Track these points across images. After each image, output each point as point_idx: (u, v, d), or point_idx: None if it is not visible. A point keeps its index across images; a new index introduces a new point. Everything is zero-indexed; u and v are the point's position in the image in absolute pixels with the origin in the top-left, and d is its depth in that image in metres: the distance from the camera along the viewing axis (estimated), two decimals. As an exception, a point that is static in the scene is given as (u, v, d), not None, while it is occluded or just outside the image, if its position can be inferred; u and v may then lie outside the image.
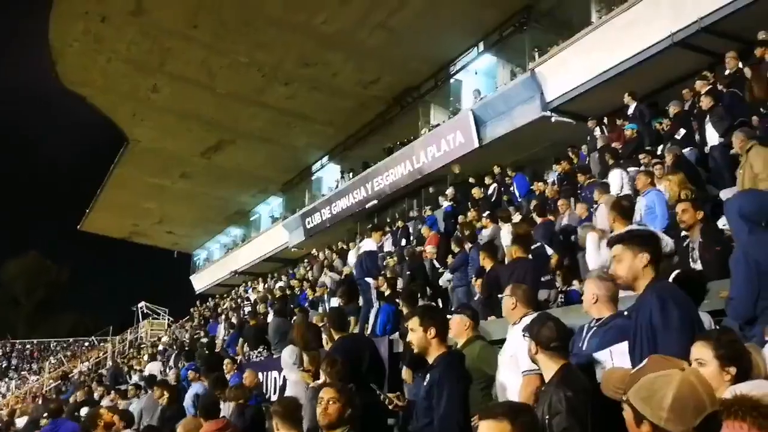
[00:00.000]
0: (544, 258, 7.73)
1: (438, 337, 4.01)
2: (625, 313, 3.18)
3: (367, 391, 5.04)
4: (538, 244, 7.89)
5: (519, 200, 13.15)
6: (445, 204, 14.94)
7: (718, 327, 3.76)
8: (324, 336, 6.39)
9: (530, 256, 7.17)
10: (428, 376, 3.99)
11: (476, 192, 13.78)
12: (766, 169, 6.34)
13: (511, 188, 13.87)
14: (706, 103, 9.06)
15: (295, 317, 11.87)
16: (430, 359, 4.02)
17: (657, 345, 2.76)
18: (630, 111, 11.91)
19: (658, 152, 9.46)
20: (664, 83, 12.85)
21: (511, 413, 2.16)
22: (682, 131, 9.76)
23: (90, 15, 18.17)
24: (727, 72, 10.09)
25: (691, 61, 11.89)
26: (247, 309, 19.58)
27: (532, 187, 12.90)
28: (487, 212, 11.63)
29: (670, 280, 4.32)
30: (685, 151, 9.24)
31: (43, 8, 18.03)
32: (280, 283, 21.39)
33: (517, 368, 4.01)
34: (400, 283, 10.95)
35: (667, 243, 5.72)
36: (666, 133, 10.35)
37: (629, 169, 9.54)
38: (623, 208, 6.11)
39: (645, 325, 2.89)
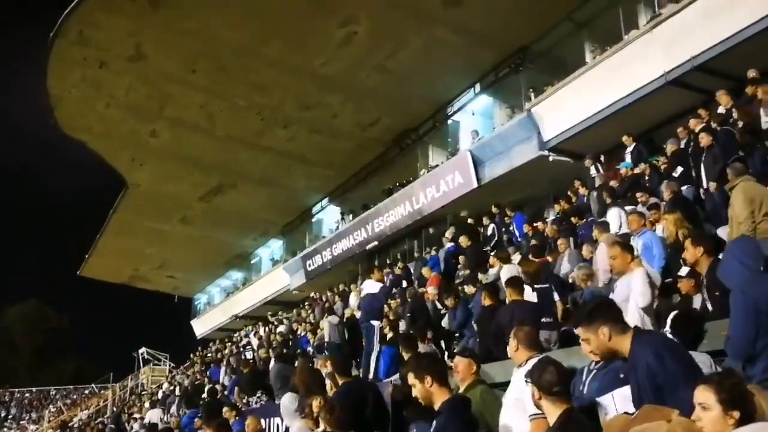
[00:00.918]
0: (548, 299, 7.69)
1: (437, 383, 4.00)
2: (621, 376, 3.18)
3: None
4: (545, 285, 7.85)
5: (519, 240, 13.16)
6: (448, 245, 14.95)
7: (719, 369, 3.74)
8: (328, 382, 6.33)
9: (526, 298, 7.16)
10: (434, 423, 3.97)
11: (463, 240, 13.68)
12: (744, 210, 6.26)
13: (511, 228, 13.91)
14: (705, 141, 9.11)
15: (296, 362, 11.76)
16: (436, 406, 4.00)
17: (663, 399, 2.77)
18: (628, 150, 12.04)
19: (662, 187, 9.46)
20: (659, 121, 12.98)
21: None
22: (680, 169, 9.83)
23: (88, 61, 18.33)
24: (719, 110, 10.22)
25: (685, 99, 12.04)
26: (249, 354, 19.41)
27: (524, 229, 12.95)
28: (494, 252, 11.67)
29: (669, 320, 4.34)
30: (683, 189, 9.30)
31: (43, 53, 18.19)
32: (281, 328, 21.25)
33: (523, 411, 3.98)
34: (402, 325, 10.89)
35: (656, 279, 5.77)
36: (664, 171, 10.43)
37: (627, 208, 9.57)
38: (625, 244, 6.10)
39: (645, 380, 2.90)
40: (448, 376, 4.23)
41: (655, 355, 2.93)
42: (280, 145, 22.28)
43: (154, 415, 16.00)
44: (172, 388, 24.51)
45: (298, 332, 18.39)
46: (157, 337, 41.87)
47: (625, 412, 3.00)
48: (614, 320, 3.17)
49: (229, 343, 27.94)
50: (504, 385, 4.82)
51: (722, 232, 7.35)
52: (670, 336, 4.14)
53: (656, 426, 1.77)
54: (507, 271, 9.13)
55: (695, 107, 11.23)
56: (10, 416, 43.34)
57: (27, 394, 46.23)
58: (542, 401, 3.32)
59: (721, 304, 4.99)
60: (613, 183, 11.34)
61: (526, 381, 3.48)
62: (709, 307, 5.36)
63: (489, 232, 14.16)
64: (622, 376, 3.16)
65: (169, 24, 16.95)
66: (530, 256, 9.84)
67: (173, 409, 17.40)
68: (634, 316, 5.17)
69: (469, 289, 10.55)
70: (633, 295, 5.39)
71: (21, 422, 41.53)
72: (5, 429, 40.80)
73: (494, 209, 14.85)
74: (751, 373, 3.62)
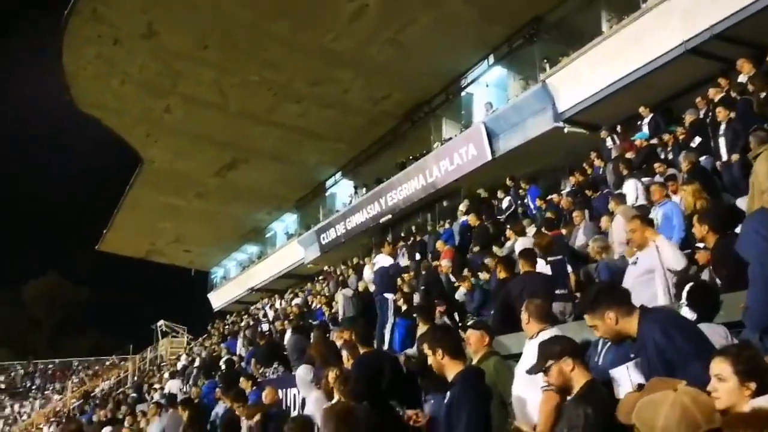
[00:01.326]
0: (563, 271, 7.67)
1: (448, 355, 4.03)
2: (632, 355, 3.18)
3: (387, 408, 5.04)
4: (559, 257, 7.82)
5: (533, 212, 13.11)
6: (462, 218, 14.93)
7: (736, 340, 3.72)
8: (344, 353, 6.37)
9: (540, 270, 7.14)
10: (448, 393, 4.01)
11: (472, 219, 13.57)
12: None
13: (526, 200, 13.86)
14: (722, 115, 8.97)
15: (312, 334, 11.88)
16: (449, 377, 4.03)
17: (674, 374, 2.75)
18: (646, 121, 11.90)
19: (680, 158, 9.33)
20: (677, 91, 12.77)
21: None
22: (698, 139, 9.71)
23: (102, 38, 18.40)
24: (740, 78, 10.04)
25: (704, 68, 11.82)
26: (265, 326, 19.62)
27: (537, 203, 12.88)
28: (509, 224, 11.64)
29: (685, 292, 4.30)
30: (701, 159, 9.19)
31: (57, 31, 18.27)
32: (297, 300, 21.42)
33: (535, 383, 3.98)
34: (416, 298, 10.93)
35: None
36: (682, 142, 10.30)
37: (643, 180, 9.49)
38: (648, 220, 6.02)
39: (654, 357, 2.91)
40: (462, 349, 4.25)
41: (663, 331, 2.94)
42: (292, 120, 22.26)
43: (173, 386, 16.26)
44: (190, 359, 24.89)
45: (313, 305, 18.54)
46: (175, 310, 42.36)
47: (640, 384, 2.99)
48: (619, 303, 3.17)
49: (246, 316, 28.27)
50: (519, 356, 4.83)
51: (741, 203, 7.25)
52: (686, 308, 4.11)
53: (662, 395, 1.77)
54: (521, 244, 9.11)
55: (714, 76, 11.04)
56: (34, 387, 44.35)
57: (50, 366, 47.18)
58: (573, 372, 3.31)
59: (729, 281, 4.97)
60: (629, 154, 11.22)
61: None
62: (718, 282, 5.32)
63: (505, 204, 14.10)
64: (632, 355, 3.16)
65: (180, 0, 16.93)
66: (543, 229, 9.80)
67: (192, 379, 17.68)
68: (661, 287, 5.13)
69: (484, 276, 10.55)
70: (664, 264, 5.31)
71: (45, 392, 42.50)
72: (31, 399, 41.80)
73: (509, 182, 14.78)
74: (770, 344, 3.61)
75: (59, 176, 74.61)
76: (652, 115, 11.98)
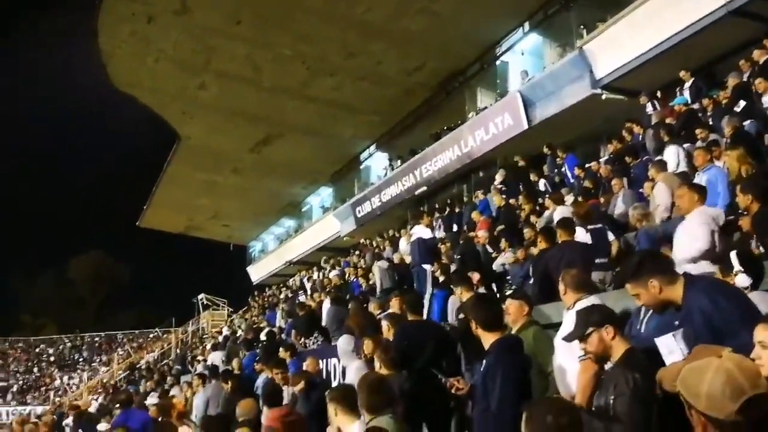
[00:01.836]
0: (603, 239, 7.60)
1: (482, 327, 4.08)
2: (676, 323, 3.11)
3: (429, 376, 5.11)
4: (599, 225, 7.75)
5: (571, 181, 12.97)
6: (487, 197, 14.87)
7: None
8: (384, 323, 6.45)
9: (578, 239, 7.10)
10: (484, 362, 4.06)
11: (497, 199, 13.55)
12: None
13: (563, 169, 13.70)
14: (762, 87, 8.72)
15: (350, 305, 12.02)
16: (486, 347, 4.07)
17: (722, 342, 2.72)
18: (687, 86, 11.62)
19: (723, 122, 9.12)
20: (719, 54, 12.42)
21: None
22: (742, 103, 9.46)
23: (136, 16, 18.58)
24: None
25: (748, 30, 11.45)
26: (302, 298, 19.87)
27: (576, 171, 12.72)
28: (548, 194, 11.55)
29: (735, 259, 4.23)
30: (746, 123, 8.96)
31: (92, 11, 18.49)
32: (335, 272, 21.63)
33: (575, 353, 3.99)
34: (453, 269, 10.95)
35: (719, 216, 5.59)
36: (725, 106, 10.04)
37: (685, 146, 9.30)
38: (700, 187, 5.89)
39: (701, 325, 2.88)
40: (499, 319, 4.26)
41: (710, 299, 2.89)
42: (326, 93, 22.27)
43: (215, 357, 16.61)
44: (231, 331, 25.41)
45: (349, 277, 18.72)
46: (215, 283, 43.30)
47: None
48: (662, 271, 3.11)
49: (284, 288, 28.67)
50: (559, 326, 4.84)
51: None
52: (742, 275, 4.04)
53: (706, 362, 1.78)
54: (560, 213, 9.03)
55: (759, 38, 10.68)
56: (82, 359, 45.86)
57: (96, 339, 48.66)
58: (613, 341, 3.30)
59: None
60: (669, 120, 10.99)
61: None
62: (761, 249, 5.23)
63: (542, 188, 13.90)
64: (677, 323, 3.10)
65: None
66: (580, 198, 9.71)
67: (231, 351, 18.05)
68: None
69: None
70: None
71: (92, 364, 43.92)
72: (79, 371, 43.26)
73: (546, 150, 14.61)
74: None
75: (99, 155, 76.17)
76: (693, 79, 11.69)
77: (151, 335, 44.64)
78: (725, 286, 3.29)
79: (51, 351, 47.59)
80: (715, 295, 2.94)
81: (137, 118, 30.03)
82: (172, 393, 13.92)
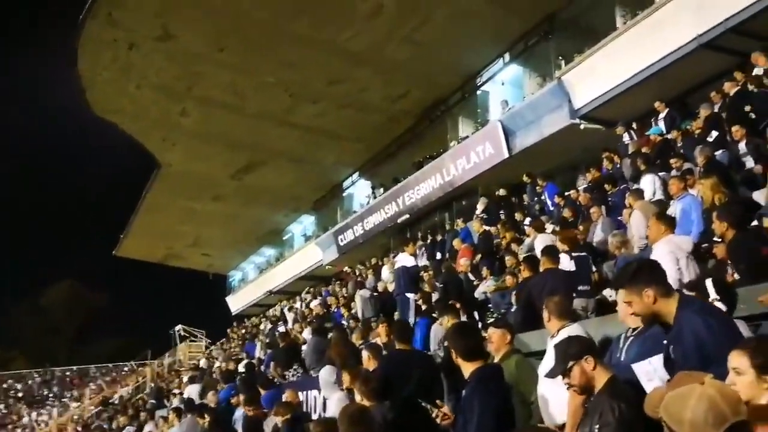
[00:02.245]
0: (586, 267, 7.70)
1: (461, 357, 4.04)
2: (665, 342, 3.08)
3: (414, 406, 5.08)
4: (583, 253, 7.85)
5: (551, 209, 13.10)
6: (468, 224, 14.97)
7: (754, 334, 3.72)
8: (365, 353, 6.43)
9: (563, 266, 7.18)
10: (464, 392, 4.03)
11: (476, 226, 13.62)
12: None
13: (543, 197, 13.85)
14: (739, 134, 8.96)
15: (332, 335, 11.94)
16: (465, 376, 4.06)
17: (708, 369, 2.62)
18: (661, 116, 11.88)
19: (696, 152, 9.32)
20: (692, 85, 12.72)
21: None
22: (714, 133, 9.68)
23: (118, 43, 18.46)
24: (755, 71, 10.00)
25: (720, 62, 11.76)
26: (281, 329, 19.70)
27: (556, 199, 12.89)
28: (529, 220, 11.65)
29: (710, 287, 4.29)
30: (717, 153, 9.16)
31: (73, 36, 18.34)
32: (316, 302, 21.51)
33: (558, 382, 4.01)
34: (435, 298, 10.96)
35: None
36: (698, 136, 10.27)
37: (660, 174, 9.47)
38: (667, 217, 6.03)
39: (692, 349, 2.84)
40: (479, 348, 4.20)
41: (706, 324, 2.84)
42: (310, 120, 22.31)
43: (192, 390, 16.34)
44: (208, 363, 25.06)
45: (332, 307, 18.61)
46: (193, 314, 42.69)
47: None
48: (658, 282, 3.05)
49: (264, 318, 28.39)
50: (541, 354, 4.86)
51: (758, 196, 7.26)
52: (719, 302, 4.10)
53: (689, 388, 1.82)
54: (541, 241, 9.13)
55: (730, 70, 10.98)
56: (51, 395, 44.70)
57: (68, 373, 47.54)
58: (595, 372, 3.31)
59: (747, 275, 4.99)
60: (645, 149, 11.20)
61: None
62: (736, 276, 5.34)
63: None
64: (665, 342, 3.06)
65: (196, 2, 17.07)
66: (557, 228, 9.83)
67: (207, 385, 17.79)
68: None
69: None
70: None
71: (63, 400, 42.79)
72: (48, 407, 42.12)
73: (526, 178, 14.78)
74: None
75: (75, 182, 75.34)
76: (668, 110, 11.95)
77: (126, 368, 43.72)
78: (718, 312, 3.28)
79: (19, 386, 46.28)
80: (710, 319, 2.91)
81: (116, 144, 29.83)
82: (147, 429, 13.62)
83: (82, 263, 66.39)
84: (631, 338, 3.61)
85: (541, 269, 7.13)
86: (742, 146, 8.90)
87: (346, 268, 23.39)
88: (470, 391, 3.91)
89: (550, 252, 7.18)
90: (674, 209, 7.54)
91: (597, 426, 3.01)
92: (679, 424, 1.79)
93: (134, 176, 30.42)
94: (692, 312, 2.94)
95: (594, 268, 7.97)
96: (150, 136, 23.67)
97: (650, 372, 3.20)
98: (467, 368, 4.02)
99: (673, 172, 9.13)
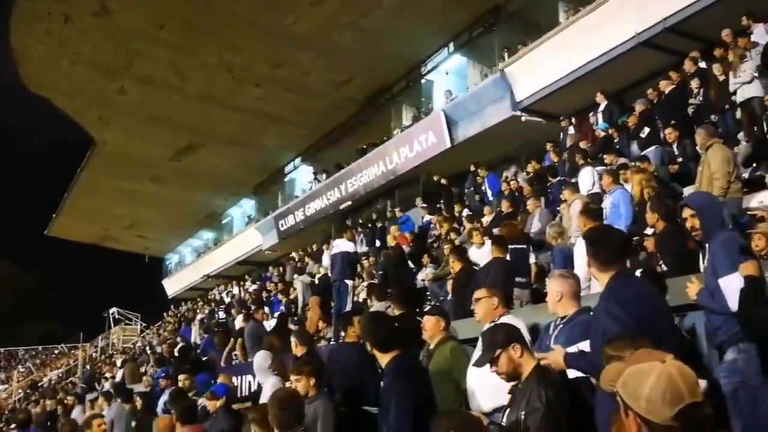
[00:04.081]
0: (524, 259, 7.84)
1: (376, 347, 4.01)
2: (591, 313, 3.22)
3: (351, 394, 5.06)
4: (522, 245, 7.99)
5: (490, 199, 13.26)
6: (427, 217, 15.03)
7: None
8: (293, 340, 6.39)
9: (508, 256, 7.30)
10: (382, 384, 4.00)
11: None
12: (721, 168, 6.48)
13: (483, 187, 14.02)
14: (672, 136, 9.28)
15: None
16: (383, 366, 4.02)
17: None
18: (600, 109, 12.14)
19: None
20: (630, 82, 13.06)
21: None
22: (647, 129, 9.96)
23: (53, 16, 17.85)
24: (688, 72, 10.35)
25: (657, 60, 12.11)
26: (221, 314, 19.43)
27: (501, 187, 13.06)
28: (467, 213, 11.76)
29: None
30: (651, 149, 9.44)
31: (4, 8, 17.71)
32: (254, 287, 21.28)
33: (484, 369, 4.04)
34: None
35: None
36: (632, 131, 10.56)
37: (598, 168, 9.69)
38: (593, 211, 6.19)
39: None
40: (391, 338, 4.12)
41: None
42: (252, 103, 22.02)
43: (122, 374, 15.94)
44: (143, 347, 24.55)
45: (271, 292, 18.44)
46: (128, 297, 41.63)
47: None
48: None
49: (201, 303, 27.95)
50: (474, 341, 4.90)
51: (688, 192, 7.51)
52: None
53: (650, 366, 1.84)
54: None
55: (667, 68, 11.31)
56: (-21, 376, 43.05)
57: (-5, 355, 45.96)
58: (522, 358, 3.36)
59: (674, 267, 5.17)
60: (583, 144, 11.44)
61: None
62: (664, 268, 5.52)
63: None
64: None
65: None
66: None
67: (144, 368, 17.43)
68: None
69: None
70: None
71: (-10, 382, 41.29)
72: (-26, 389, 40.57)
73: (473, 167, 14.92)
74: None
75: (5, 158, 72.21)
76: (606, 102, 12.22)
77: (56, 351, 42.40)
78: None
79: (-57, 369, 44.50)
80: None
81: (50, 120, 28.70)
82: (75, 413, 13.20)
83: (14, 243, 63.86)
84: (561, 326, 3.68)
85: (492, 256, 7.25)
86: (674, 147, 9.23)
87: (294, 254, 23.11)
88: (387, 381, 3.86)
89: (499, 242, 7.32)
90: (605, 203, 7.75)
91: (524, 412, 3.04)
92: (636, 399, 1.80)
93: (69, 154, 29.31)
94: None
95: (534, 260, 8.13)
96: (86, 113, 22.96)
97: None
98: (383, 359, 3.98)
99: (607, 167, 9.36)
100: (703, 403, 1.75)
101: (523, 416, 3.05)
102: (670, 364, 1.85)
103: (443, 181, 16.19)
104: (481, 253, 8.59)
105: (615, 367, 2.56)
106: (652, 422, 1.75)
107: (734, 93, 9.10)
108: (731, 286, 3.40)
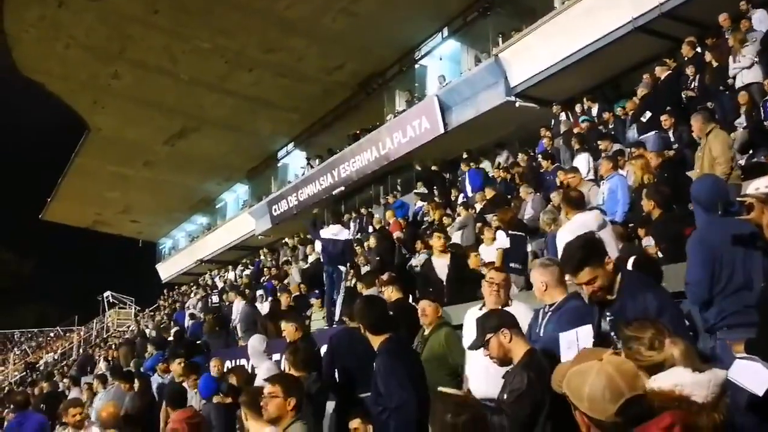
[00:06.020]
0: (521, 246, 7.88)
1: (369, 330, 4.07)
2: (608, 314, 3.21)
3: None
4: (521, 233, 8.03)
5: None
6: (419, 203, 15.02)
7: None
8: (291, 326, 6.40)
9: (501, 244, 7.34)
10: (374, 365, 4.04)
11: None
12: (724, 153, 6.49)
13: (463, 180, 13.97)
14: (668, 123, 9.31)
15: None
16: (375, 348, 4.07)
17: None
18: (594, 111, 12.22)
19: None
20: (626, 68, 13.06)
21: None
22: (648, 114, 9.94)
23: (46, 0, 17.67)
24: (686, 58, 10.33)
25: (654, 46, 12.09)
26: (215, 298, 19.44)
27: (495, 173, 13.03)
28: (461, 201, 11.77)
29: (630, 263, 4.45)
30: (650, 134, 9.43)
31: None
32: (248, 272, 21.29)
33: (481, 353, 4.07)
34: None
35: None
36: (632, 115, 10.52)
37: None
38: (572, 198, 6.13)
39: None
40: (384, 320, 4.18)
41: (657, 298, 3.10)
42: (245, 88, 21.90)
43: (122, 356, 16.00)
44: (138, 330, 24.57)
45: (264, 276, 18.45)
46: (122, 281, 41.52)
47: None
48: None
49: (195, 287, 27.95)
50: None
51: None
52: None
53: (589, 365, 1.89)
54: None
55: (663, 54, 11.30)
56: (-25, 358, 43.05)
57: (-9, 337, 45.96)
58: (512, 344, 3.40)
59: (669, 254, 5.20)
60: (577, 130, 11.45)
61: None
62: (660, 254, 5.54)
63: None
64: (608, 314, 3.18)
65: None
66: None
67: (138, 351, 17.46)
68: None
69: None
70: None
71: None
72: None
73: (465, 156, 14.90)
74: (707, 316, 3.76)
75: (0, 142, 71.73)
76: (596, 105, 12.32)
77: (52, 334, 42.43)
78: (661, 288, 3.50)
79: (-60, 352, 44.45)
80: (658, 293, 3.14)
81: (44, 105, 28.50)
82: (72, 395, 13.25)
83: (8, 227, 63.46)
84: (549, 314, 3.70)
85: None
86: (670, 134, 9.23)
87: (288, 240, 23.08)
88: (380, 360, 3.94)
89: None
90: (603, 189, 7.75)
91: (506, 395, 3.18)
92: (579, 399, 1.85)
93: (63, 139, 29.11)
94: (637, 287, 3.13)
95: (529, 248, 8.17)
96: (80, 98, 22.79)
97: (572, 342, 3.27)
98: (375, 341, 4.03)
99: (603, 154, 9.36)
100: (644, 395, 1.80)
101: (505, 396, 3.19)
102: (607, 362, 1.89)
103: (434, 167, 16.17)
104: (491, 251, 8.52)
105: (562, 368, 2.60)
106: (599, 420, 1.79)
107: (733, 78, 9.10)
108: None
